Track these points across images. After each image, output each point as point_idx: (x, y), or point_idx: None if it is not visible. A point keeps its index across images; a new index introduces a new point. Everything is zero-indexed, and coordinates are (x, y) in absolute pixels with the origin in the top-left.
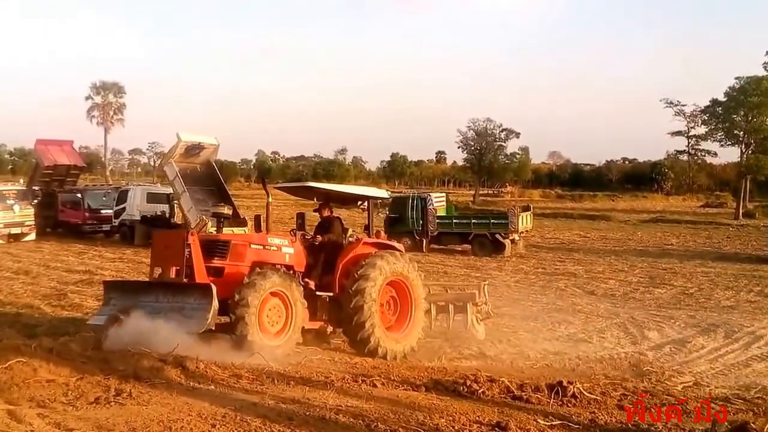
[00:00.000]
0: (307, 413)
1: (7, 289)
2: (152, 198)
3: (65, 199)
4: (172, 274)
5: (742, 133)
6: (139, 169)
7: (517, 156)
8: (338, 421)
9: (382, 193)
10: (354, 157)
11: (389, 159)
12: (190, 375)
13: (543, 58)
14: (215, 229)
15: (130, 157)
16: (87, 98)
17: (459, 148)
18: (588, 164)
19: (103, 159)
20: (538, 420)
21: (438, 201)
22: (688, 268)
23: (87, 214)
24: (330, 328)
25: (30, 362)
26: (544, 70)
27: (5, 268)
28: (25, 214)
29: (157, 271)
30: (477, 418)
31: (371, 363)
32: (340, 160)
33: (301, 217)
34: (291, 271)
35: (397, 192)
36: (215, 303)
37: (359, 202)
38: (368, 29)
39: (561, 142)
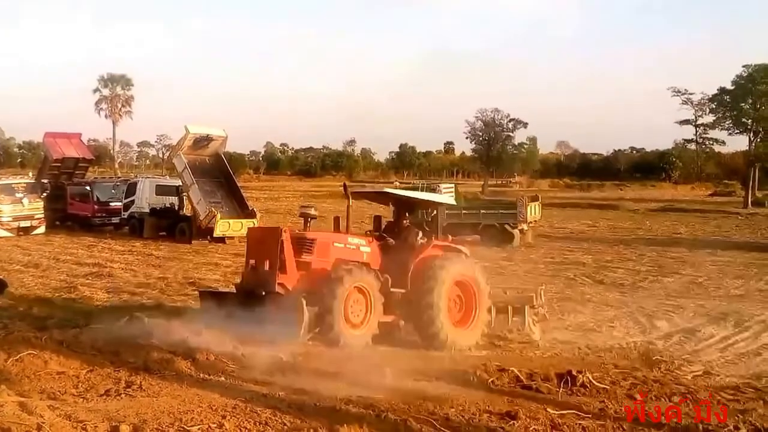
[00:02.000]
0: (318, 404)
1: (17, 282)
2: (161, 190)
3: (74, 191)
4: (266, 266)
5: (750, 121)
6: (148, 162)
7: (525, 146)
8: (349, 411)
9: (450, 200)
10: (363, 148)
11: (398, 150)
12: (200, 367)
13: (550, 48)
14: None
15: (139, 149)
16: (95, 91)
17: (467, 138)
18: (596, 154)
19: (111, 151)
20: (548, 409)
21: (447, 191)
22: (698, 257)
23: (96, 206)
24: (402, 322)
25: (41, 354)
26: (551, 60)
27: (15, 261)
28: (34, 207)
29: (251, 262)
30: (487, 407)
31: (380, 353)
32: (349, 151)
33: (377, 220)
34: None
35: (406, 183)
36: (307, 315)
37: (430, 209)
38: (376, 22)
39: (569, 132)
